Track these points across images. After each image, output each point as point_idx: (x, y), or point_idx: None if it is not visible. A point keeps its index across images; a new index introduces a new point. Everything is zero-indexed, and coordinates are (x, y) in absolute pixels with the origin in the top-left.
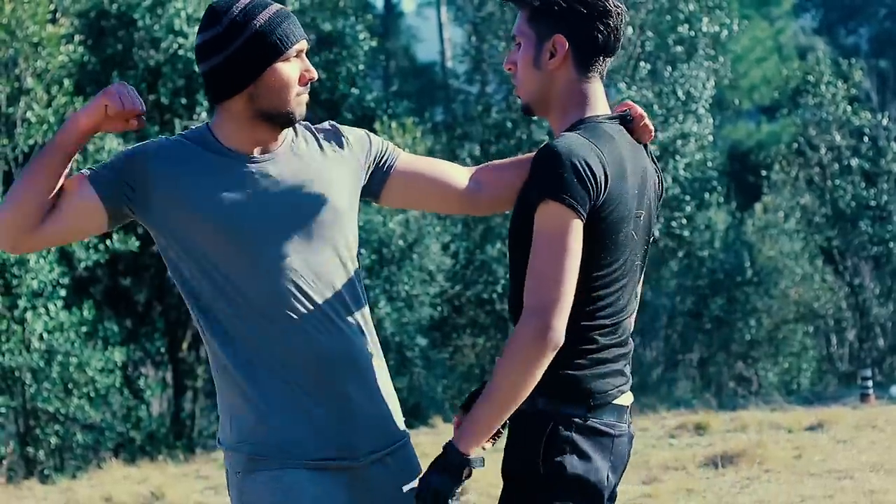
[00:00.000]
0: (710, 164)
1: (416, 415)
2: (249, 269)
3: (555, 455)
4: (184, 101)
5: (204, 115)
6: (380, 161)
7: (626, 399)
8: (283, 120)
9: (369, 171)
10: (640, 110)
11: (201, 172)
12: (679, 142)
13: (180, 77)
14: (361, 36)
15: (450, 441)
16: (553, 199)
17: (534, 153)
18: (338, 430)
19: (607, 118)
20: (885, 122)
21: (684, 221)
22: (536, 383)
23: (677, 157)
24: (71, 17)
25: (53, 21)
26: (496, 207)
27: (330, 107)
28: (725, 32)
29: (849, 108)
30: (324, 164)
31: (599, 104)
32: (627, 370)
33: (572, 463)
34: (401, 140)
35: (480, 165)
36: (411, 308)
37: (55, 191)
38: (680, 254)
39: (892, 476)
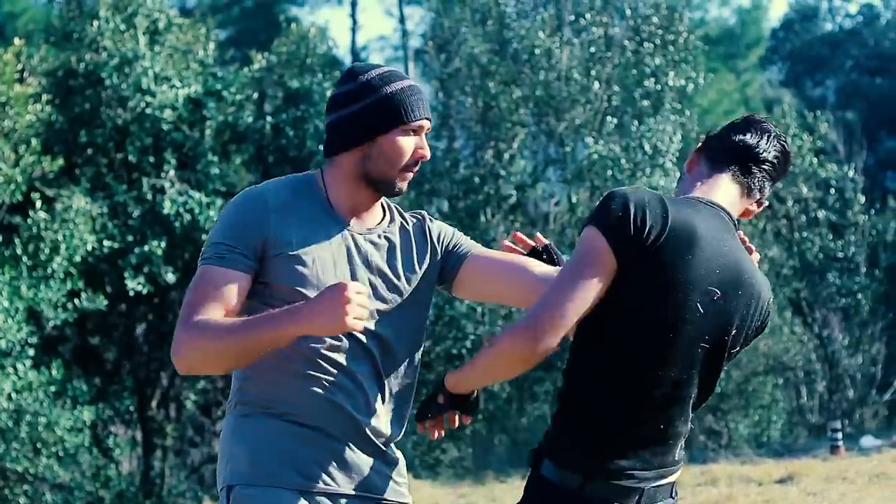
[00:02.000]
0: None
1: None
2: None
3: None
4: (151, 159)
5: (172, 172)
6: (453, 252)
7: (647, 483)
8: (386, 188)
9: (444, 262)
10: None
11: (308, 227)
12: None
13: (148, 135)
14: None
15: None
16: (592, 224)
17: None
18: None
19: (708, 201)
20: (851, 173)
21: None
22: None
23: None
24: (39, 76)
25: (21, 80)
26: None
27: (298, 164)
28: (692, 86)
29: (815, 160)
30: (410, 256)
31: (707, 193)
32: (658, 459)
33: None
34: None
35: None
36: None
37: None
38: None
39: None
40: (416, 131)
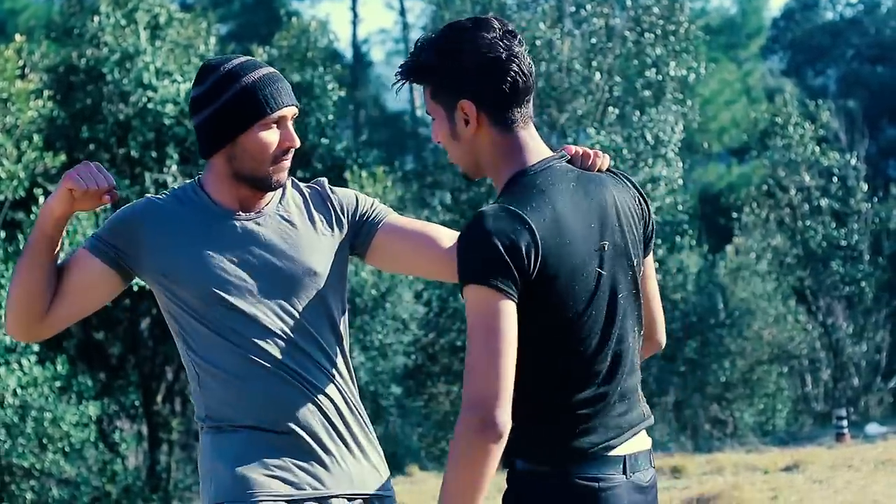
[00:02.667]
0: (680, 207)
1: (392, 464)
2: (225, 329)
3: None
4: (154, 154)
5: (175, 167)
6: (365, 220)
7: (624, 449)
8: (261, 184)
9: (355, 231)
10: (575, 149)
11: (189, 231)
12: (649, 186)
13: (150, 130)
14: (330, 86)
15: None
16: (478, 283)
17: None
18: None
19: (541, 167)
20: (853, 161)
21: (657, 265)
22: (498, 463)
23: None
24: (40, 72)
25: (22, 77)
26: None
27: (300, 157)
28: (693, 76)
29: (817, 149)
30: (308, 227)
31: (531, 153)
32: (624, 419)
33: None
34: (371, 189)
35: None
36: (385, 357)
37: (51, 277)
38: None
39: None
40: (279, 122)
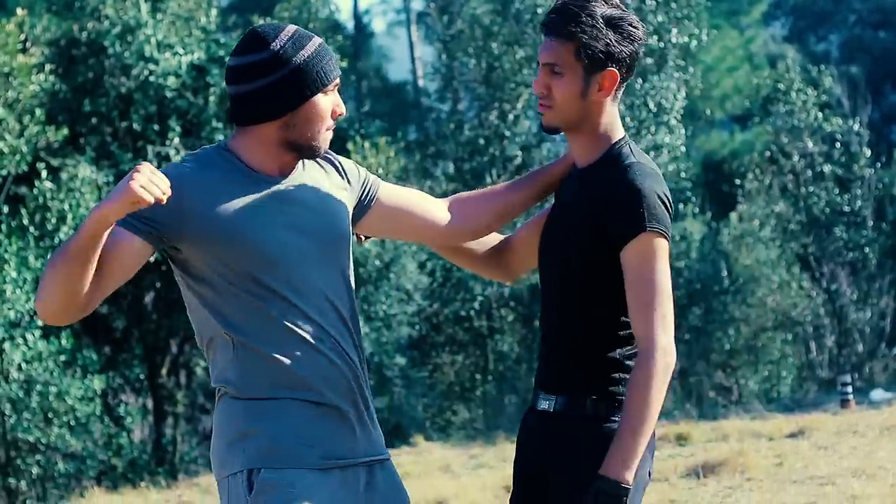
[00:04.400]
0: (683, 174)
1: (398, 434)
2: (270, 297)
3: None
4: (156, 127)
5: (177, 140)
6: (365, 188)
7: None
8: (310, 152)
9: (359, 197)
10: None
11: (233, 196)
12: (652, 153)
13: (152, 103)
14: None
15: (602, 475)
16: (655, 232)
17: (505, 184)
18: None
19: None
20: (856, 127)
21: None
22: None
23: None
24: (42, 46)
25: (24, 51)
26: (472, 237)
27: None
28: (695, 43)
29: (820, 115)
30: (331, 190)
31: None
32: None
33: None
34: (374, 160)
35: (452, 197)
36: (389, 327)
37: (93, 270)
38: None
39: (874, 481)
40: (332, 90)
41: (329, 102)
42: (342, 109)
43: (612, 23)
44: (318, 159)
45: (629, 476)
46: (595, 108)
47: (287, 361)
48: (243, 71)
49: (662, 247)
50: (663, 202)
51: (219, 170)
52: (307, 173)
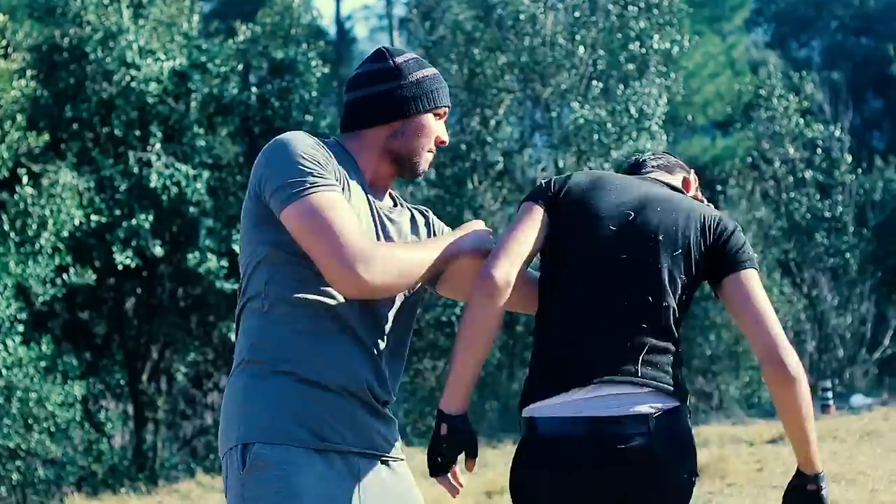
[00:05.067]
0: None
1: None
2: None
3: None
4: (137, 132)
5: (158, 145)
6: None
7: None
8: (408, 166)
9: None
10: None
11: (354, 184)
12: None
13: (133, 109)
14: (314, 63)
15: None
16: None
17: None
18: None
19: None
20: (837, 133)
21: None
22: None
23: None
24: (23, 51)
25: (5, 56)
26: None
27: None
28: (677, 49)
29: (801, 121)
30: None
31: None
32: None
33: None
34: None
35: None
36: None
37: None
38: None
39: (854, 486)
40: (441, 117)
41: (436, 126)
42: (445, 138)
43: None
44: (413, 210)
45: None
46: None
47: (299, 339)
48: (367, 76)
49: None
50: None
51: (341, 158)
52: (390, 207)
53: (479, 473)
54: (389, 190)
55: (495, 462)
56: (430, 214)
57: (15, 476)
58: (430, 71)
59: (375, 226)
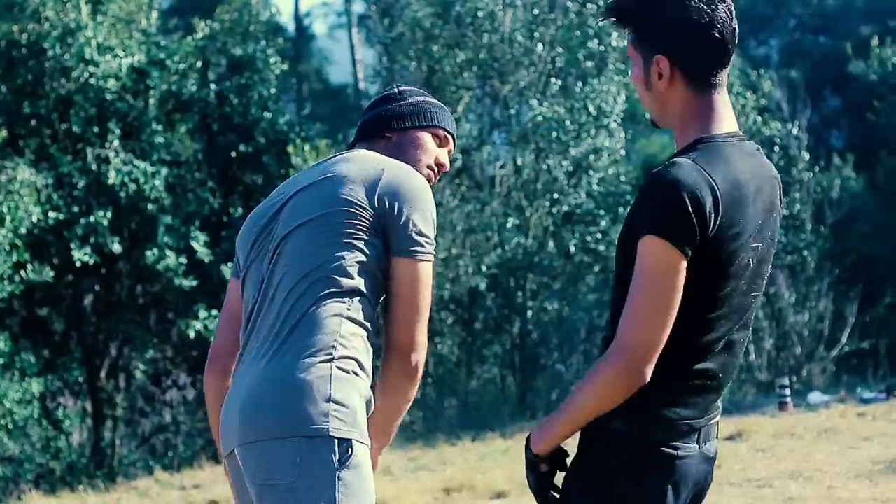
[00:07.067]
0: (623, 178)
1: None
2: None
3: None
4: (96, 129)
5: (116, 142)
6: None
7: (703, 421)
8: None
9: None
10: None
11: None
12: (592, 157)
13: (91, 106)
14: (272, 60)
15: (526, 440)
16: (658, 234)
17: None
18: None
19: (730, 138)
20: (795, 131)
21: (599, 236)
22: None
23: (591, 172)
24: None
25: None
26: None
27: (243, 131)
28: None
29: (759, 119)
30: None
31: (722, 120)
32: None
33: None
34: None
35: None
36: None
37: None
38: (596, 268)
39: (811, 483)
40: (443, 142)
41: (435, 147)
42: (446, 162)
43: (647, 5)
44: None
45: (536, 446)
46: (665, 99)
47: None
48: (378, 100)
49: (658, 249)
50: (685, 204)
51: None
52: None
53: (437, 470)
54: None
55: (454, 459)
56: None
57: None
58: (432, 100)
59: None
